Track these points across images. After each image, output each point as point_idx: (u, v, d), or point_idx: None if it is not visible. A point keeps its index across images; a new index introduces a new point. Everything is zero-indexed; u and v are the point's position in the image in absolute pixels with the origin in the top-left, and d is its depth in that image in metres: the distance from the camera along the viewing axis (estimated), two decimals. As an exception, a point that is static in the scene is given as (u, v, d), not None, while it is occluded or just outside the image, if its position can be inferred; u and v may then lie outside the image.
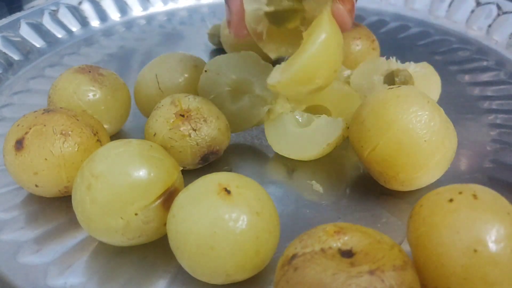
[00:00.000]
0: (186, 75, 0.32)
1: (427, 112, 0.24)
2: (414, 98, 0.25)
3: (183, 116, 0.27)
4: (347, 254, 0.18)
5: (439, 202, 0.20)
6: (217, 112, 0.29)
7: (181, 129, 0.27)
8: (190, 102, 0.28)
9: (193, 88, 0.32)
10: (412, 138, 0.24)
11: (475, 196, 0.19)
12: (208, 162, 0.29)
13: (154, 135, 0.28)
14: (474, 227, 0.18)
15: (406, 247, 0.21)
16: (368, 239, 0.18)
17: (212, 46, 0.46)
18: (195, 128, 0.27)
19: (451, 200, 0.19)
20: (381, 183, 0.27)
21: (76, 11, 0.49)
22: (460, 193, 0.19)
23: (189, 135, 0.27)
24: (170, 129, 0.27)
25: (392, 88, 0.26)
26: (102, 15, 0.50)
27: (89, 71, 0.30)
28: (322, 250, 0.18)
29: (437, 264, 0.19)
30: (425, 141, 0.24)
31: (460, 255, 0.18)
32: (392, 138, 0.24)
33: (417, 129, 0.24)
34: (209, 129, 0.28)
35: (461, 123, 0.34)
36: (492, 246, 0.18)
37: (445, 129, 0.25)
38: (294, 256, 0.18)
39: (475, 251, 0.18)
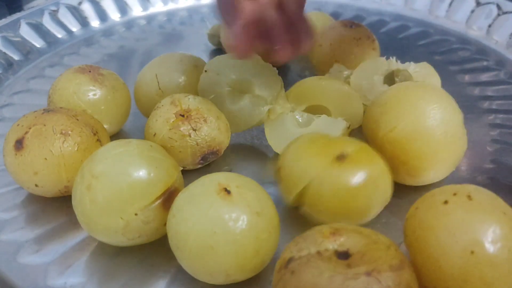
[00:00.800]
0: (186, 75, 0.32)
1: (449, 109, 0.25)
2: (440, 92, 0.26)
3: (183, 116, 0.27)
4: (343, 255, 0.18)
5: (434, 204, 0.20)
6: (217, 112, 0.29)
7: (181, 129, 0.27)
8: (190, 102, 0.28)
9: (193, 88, 0.32)
10: (430, 127, 0.24)
11: (469, 197, 0.19)
12: (208, 162, 0.29)
13: (154, 135, 0.28)
14: (470, 229, 0.18)
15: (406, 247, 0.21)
16: (364, 240, 0.18)
17: (212, 46, 0.46)
18: (195, 128, 0.27)
19: (446, 202, 0.19)
20: None
21: (76, 11, 0.49)
22: (455, 194, 0.19)
23: (189, 135, 0.27)
24: (170, 129, 0.27)
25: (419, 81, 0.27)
26: (102, 15, 0.50)
27: (89, 71, 0.30)
28: (318, 252, 0.18)
29: (435, 267, 0.19)
30: (440, 134, 0.24)
31: (457, 257, 0.18)
32: (411, 123, 0.25)
33: (437, 120, 0.25)
34: (209, 129, 0.28)
35: (460, 123, 0.34)
36: (489, 247, 0.18)
37: (460, 129, 0.25)
38: (290, 260, 0.18)
39: (472, 252, 0.18)
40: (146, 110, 0.32)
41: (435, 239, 0.19)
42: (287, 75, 0.40)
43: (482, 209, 0.19)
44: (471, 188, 0.20)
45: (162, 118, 0.28)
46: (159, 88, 0.31)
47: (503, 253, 0.18)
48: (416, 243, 0.20)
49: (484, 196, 0.19)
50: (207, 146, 0.28)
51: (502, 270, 0.18)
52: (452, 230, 0.18)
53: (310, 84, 0.31)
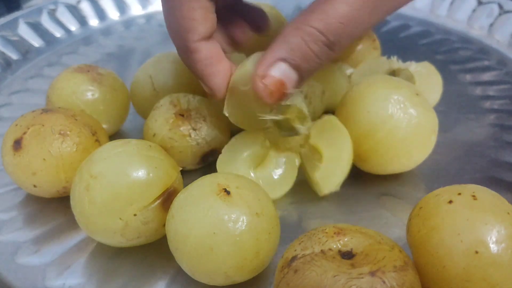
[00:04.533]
0: (181, 75, 0.31)
1: (380, 90, 0.25)
2: (402, 84, 0.26)
3: (182, 116, 0.27)
4: (347, 255, 0.18)
5: (438, 203, 0.20)
6: (216, 111, 0.29)
7: (181, 129, 0.27)
8: (189, 101, 0.28)
9: (189, 88, 0.31)
10: (357, 108, 0.25)
11: (474, 197, 0.19)
12: (208, 163, 0.29)
13: (154, 135, 0.27)
14: (474, 228, 0.18)
15: (406, 247, 0.21)
16: (368, 240, 0.18)
17: (211, 45, 0.45)
18: (195, 127, 0.27)
19: (450, 202, 0.19)
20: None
21: (74, 10, 0.49)
22: (459, 194, 0.19)
23: (189, 135, 0.27)
24: (170, 129, 0.27)
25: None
26: (101, 14, 0.50)
27: (88, 71, 0.30)
28: (322, 251, 0.18)
29: (438, 267, 0.18)
30: (368, 112, 0.25)
31: (461, 257, 0.18)
32: (343, 110, 0.27)
33: (363, 100, 0.25)
34: (209, 129, 0.27)
35: (462, 122, 0.33)
36: (493, 247, 0.17)
37: (397, 107, 0.25)
38: (293, 258, 0.18)
39: (477, 252, 0.18)
40: (143, 111, 0.32)
41: (440, 239, 0.18)
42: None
43: (487, 209, 0.18)
44: (476, 188, 0.20)
45: (162, 118, 0.27)
46: (154, 89, 0.31)
47: (507, 253, 0.17)
48: (420, 242, 0.19)
49: (489, 196, 0.19)
50: (208, 145, 0.28)
51: (506, 271, 0.17)
52: (456, 230, 0.18)
53: None
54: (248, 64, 0.23)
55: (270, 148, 0.27)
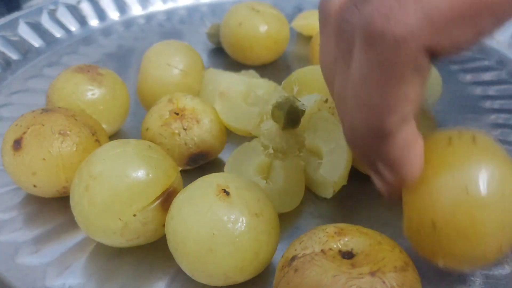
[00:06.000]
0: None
1: None
2: None
3: (177, 114, 0.27)
4: (347, 255, 0.18)
5: (437, 142, 0.20)
6: (213, 115, 0.28)
7: (172, 126, 0.27)
8: (187, 101, 0.28)
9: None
10: None
11: (474, 139, 0.19)
12: (199, 165, 0.29)
13: (147, 129, 0.28)
14: (468, 167, 0.18)
15: (406, 247, 0.21)
16: (368, 240, 0.18)
17: (211, 45, 0.45)
18: (185, 127, 0.27)
19: (449, 141, 0.19)
20: None
21: (75, 10, 0.49)
22: (460, 135, 0.19)
23: (179, 134, 0.27)
24: (161, 125, 0.27)
25: None
26: (101, 14, 0.50)
27: (88, 71, 0.30)
28: (323, 251, 0.18)
29: (426, 196, 0.19)
30: None
31: (451, 193, 0.18)
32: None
33: None
34: (200, 131, 0.27)
35: (462, 123, 0.33)
36: (483, 188, 0.18)
37: None
38: (294, 258, 0.18)
39: (467, 191, 0.18)
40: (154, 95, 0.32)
41: (433, 173, 0.19)
42: (287, 75, 0.40)
43: (484, 151, 0.18)
44: (477, 132, 0.20)
45: (157, 114, 0.27)
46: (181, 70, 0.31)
47: (496, 195, 0.18)
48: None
49: (488, 140, 0.19)
50: (196, 147, 0.27)
51: (491, 210, 0.18)
52: (450, 167, 0.18)
53: (301, 74, 0.31)
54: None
55: (274, 157, 0.27)
